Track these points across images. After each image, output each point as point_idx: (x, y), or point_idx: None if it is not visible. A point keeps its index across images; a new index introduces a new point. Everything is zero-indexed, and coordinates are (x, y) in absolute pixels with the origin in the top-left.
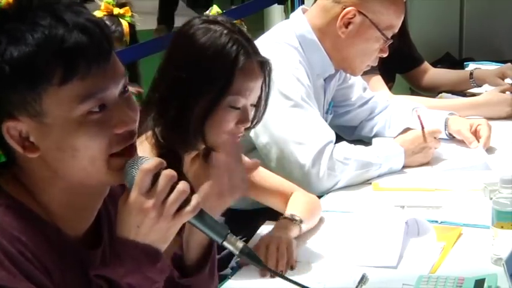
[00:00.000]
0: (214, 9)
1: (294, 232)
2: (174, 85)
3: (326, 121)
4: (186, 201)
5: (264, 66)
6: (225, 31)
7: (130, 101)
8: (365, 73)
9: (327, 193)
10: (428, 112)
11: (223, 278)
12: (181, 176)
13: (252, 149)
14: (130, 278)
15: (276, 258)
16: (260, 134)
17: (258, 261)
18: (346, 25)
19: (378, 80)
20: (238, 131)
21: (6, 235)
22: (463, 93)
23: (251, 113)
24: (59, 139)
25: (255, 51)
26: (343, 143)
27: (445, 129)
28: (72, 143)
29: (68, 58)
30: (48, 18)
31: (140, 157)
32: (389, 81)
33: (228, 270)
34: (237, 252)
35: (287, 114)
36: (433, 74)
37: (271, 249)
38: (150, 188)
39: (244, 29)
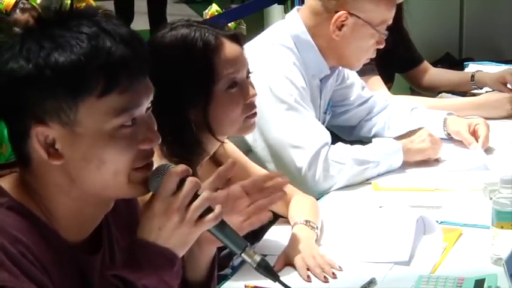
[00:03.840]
0: (213, 8)
1: (314, 238)
2: (161, 98)
3: (324, 121)
4: (209, 210)
5: (236, 38)
6: (183, 29)
7: (152, 118)
8: (364, 74)
9: (327, 193)
10: (427, 112)
11: (223, 278)
12: None
13: (249, 150)
14: (147, 279)
15: (320, 269)
16: (257, 138)
17: (274, 275)
18: (340, 28)
19: (376, 80)
20: (249, 109)
21: (7, 236)
22: (463, 94)
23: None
24: (87, 150)
25: (221, 28)
26: (339, 144)
27: (444, 129)
28: (100, 155)
29: (112, 71)
30: (93, 28)
31: (165, 164)
32: (388, 81)
33: (228, 270)
34: (254, 266)
35: (282, 117)
36: (433, 73)
37: (310, 262)
38: (175, 192)
39: (244, 27)
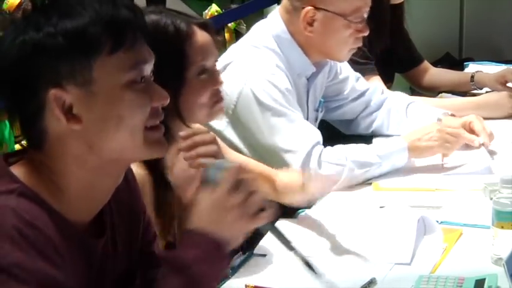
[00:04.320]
0: (213, 8)
1: None
2: None
3: (317, 119)
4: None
5: (206, 26)
6: (153, 15)
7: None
8: (364, 74)
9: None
10: (422, 110)
11: (223, 278)
12: (164, 170)
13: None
14: (201, 265)
15: None
16: (247, 147)
17: (313, 270)
18: (311, 23)
19: (376, 80)
20: (216, 94)
21: (21, 219)
22: (463, 94)
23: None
24: (105, 107)
25: (192, 16)
26: (338, 146)
27: None
28: (117, 110)
29: (118, 30)
30: None
31: (224, 160)
32: (387, 81)
33: (227, 270)
34: (301, 262)
35: (269, 125)
36: (433, 73)
37: None
38: (234, 189)
39: (244, 28)
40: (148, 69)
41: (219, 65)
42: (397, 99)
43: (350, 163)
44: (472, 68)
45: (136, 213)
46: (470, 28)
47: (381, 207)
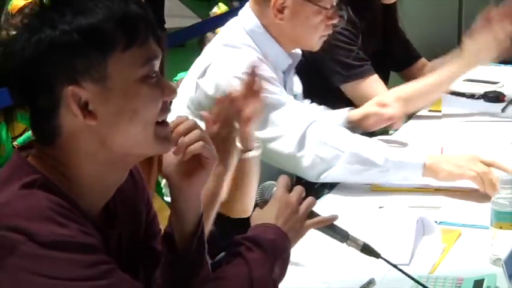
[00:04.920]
0: (222, 8)
1: None
2: None
3: None
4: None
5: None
6: None
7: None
8: (363, 75)
9: (326, 193)
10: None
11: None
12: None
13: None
14: (269, 235)
15: None
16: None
17: (376, 255)
18: (281, 11)
19: (375, 79)
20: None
21: (52, 201)
22: (461, 94)
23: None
24: (120, 101)
25: None
26: (346, 131)
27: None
28: (132, 104)
29: (130, 26)
30: None
31: (268, 182)
32: (382, 81)
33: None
34: (359, 249)
35: (263, 114)
36: (430, 69)
37: None
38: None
39: None
40: (157, 64)
41: (197, 68)
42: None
43: (349, 154)
44: None
45: (140, 208)
46: (468, 29)
47: (379, 207)
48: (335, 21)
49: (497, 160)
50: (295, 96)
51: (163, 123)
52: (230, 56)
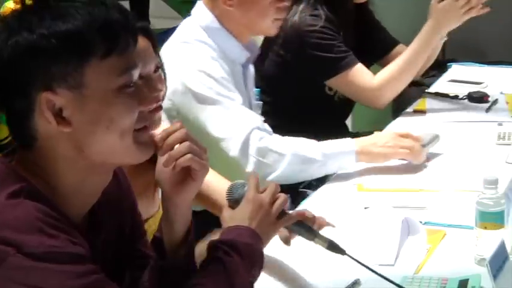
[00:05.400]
0: None
1: None
2: None
3: (259, 108)
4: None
5: (147, 31)
6: None
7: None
8: (347, 66)
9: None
10: None
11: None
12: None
13: None
14: (245, 239)
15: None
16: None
17: (342, 251)
18: None
19: (359, 68)
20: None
21: (41, 211)
22: (445, 95)
23: None
24: (95, 110)
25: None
26: (286, 137)
27: None
28: (108, 113)
29: (111, 34)
30: None
31: (235, 184)
32: None
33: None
34: (326, 247)
35: (207, 114)
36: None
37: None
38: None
39: None
40: (137, 73)
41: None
42: None
43: (291, 156)
44: (455, 68)
45: (125, 208)
46: (453, 29)
47: (365, 208)
48: (285, 3)
49: (410, 130)
50: (257, 91)
51: (143, 128)
52: (182, 52)
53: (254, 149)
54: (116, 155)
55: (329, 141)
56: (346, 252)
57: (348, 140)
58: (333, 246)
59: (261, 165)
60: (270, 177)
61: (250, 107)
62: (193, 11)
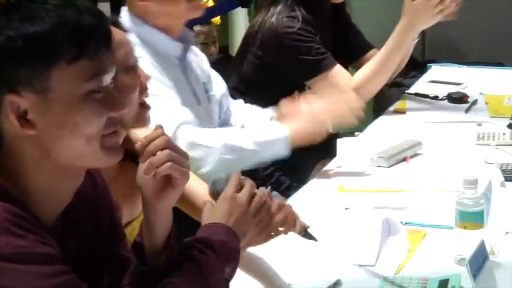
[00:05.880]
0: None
1: None
2: None
3: (209, 100)
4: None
5: (116, 24)
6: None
7: (117, 90)
8: (326, 67)
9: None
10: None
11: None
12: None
13: None
14: (220, 236)
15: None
16: None
17: (315, 239)
18: None
19: (338, 70)
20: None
21: (9, 212)
22: (425, 96)
23: None
24: (61, 115)
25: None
26: (215, 128)
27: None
28: (73, 118)
29: (81, 38)
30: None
31: (219, 178)
32: None
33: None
34: (302, 234)
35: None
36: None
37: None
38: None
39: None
40: (108, 78)
41: None
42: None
43: (220, 147)
44: (434, 69)
45: (102, 210)
46: (433, 30)
47: (345, 208)
48: None
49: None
50: (203, 84)
51: (112, 133)
52: None
53: (184, 145)
54: (83, 159)
55: (260, 128)
56: (318, 240)
57: (277, 126)
58: (306, 234)
59: (191, 160)
60: (203, 171)
61: (197, 99)
62: (121, 19)
